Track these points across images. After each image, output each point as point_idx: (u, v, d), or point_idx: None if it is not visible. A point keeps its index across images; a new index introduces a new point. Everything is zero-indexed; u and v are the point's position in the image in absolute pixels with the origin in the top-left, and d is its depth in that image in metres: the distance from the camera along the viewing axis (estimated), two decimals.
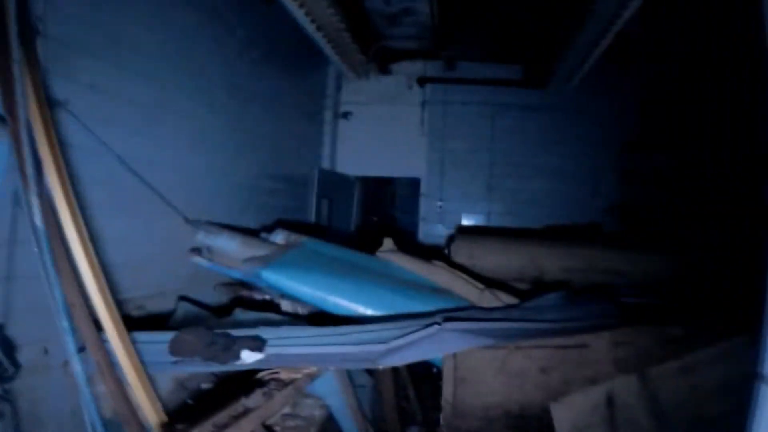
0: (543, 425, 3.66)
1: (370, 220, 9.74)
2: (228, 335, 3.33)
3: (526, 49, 8.41)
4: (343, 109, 9.24)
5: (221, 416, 2.86)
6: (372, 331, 3.61)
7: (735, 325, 3.70)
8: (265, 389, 3.26)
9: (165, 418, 2.83)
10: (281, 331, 3.57)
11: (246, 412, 2.99)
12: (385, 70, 9.15)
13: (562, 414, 3.58)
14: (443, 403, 3.84)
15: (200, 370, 3.46)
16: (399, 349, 3.35)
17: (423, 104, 9.13)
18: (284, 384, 3.36)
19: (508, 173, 8.95)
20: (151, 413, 2.78)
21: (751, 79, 6.74)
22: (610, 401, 3.57)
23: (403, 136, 9.18)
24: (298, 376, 3.45)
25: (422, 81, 9.17)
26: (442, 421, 3.87)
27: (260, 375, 3.48)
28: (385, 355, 3.30)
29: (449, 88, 9.11)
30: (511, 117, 9.01)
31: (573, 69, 7.44)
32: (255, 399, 3.13)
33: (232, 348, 3.20)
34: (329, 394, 3.80)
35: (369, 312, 4.15)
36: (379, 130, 9.21)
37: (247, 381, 3.42)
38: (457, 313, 3.92)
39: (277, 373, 3.46)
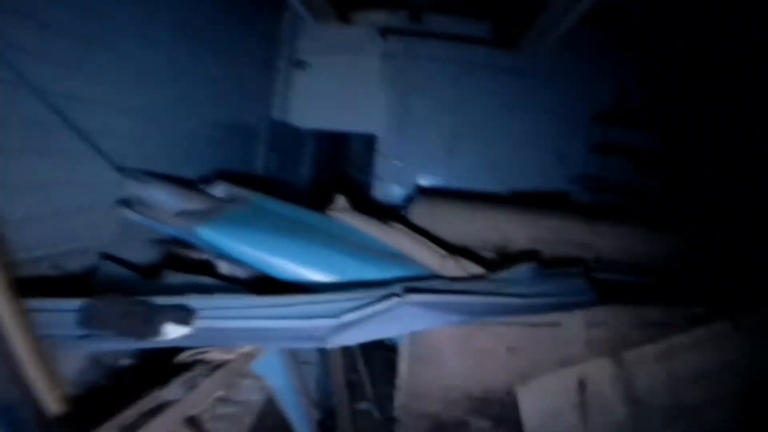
0: (508, 410, 3.42)
1: (323, 176, 9.31)
2: (150, 304, 2.83)
3: (499, 3, 7.98)
4: (298, 57, 8.72)
5: (129, 414, 2.36)
6: (321, 302, 3.14)
7: (715, 309, 3.59)
8: (189, 376, 2.76)
9: (65, 406, 2.33)
10: (214, 300, 3.08)
11: (161, 407, 2.48)
12: (345, 19, 8.64)
13: (529, 398, 3.38)
14: (399, 383, 3.55)
15: (113, 347, 2.98)
16: (352, 325, 2.93)
17: (384, 57, 8.64)
18: (214, 367, 2.88)
19: (471, 136, 8.56)
20: (48, 399, 2.29)
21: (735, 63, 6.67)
22: (581, 386, 3.38)
23: (361, 89, 8.73)
24: (232, 356, 2.98)
25: (385, 32, 8.67)
26: (397, 403, 3.57)
27: (185, 356, 2.97)
28: (335, 332, 2.88)
29: (413, 42, 8.62)
30: (478, 78, 8.57)
31: (548, 29, 7.06)
32: (174, 390, 2.61)
33: (153, 320, 2.70)
34: (271, 374, 3.35)
35: (318, 278, 3.72)
36: (336, 82, 8.74)
37: (168, 364, 2.93)
38: (418, 283, 3.49)
39: (206, 352, 2.98)
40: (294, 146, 8.89)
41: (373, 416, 4.09)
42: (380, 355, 4.39)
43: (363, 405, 4.14)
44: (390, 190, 8.44)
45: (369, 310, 3.00)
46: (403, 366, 3.52)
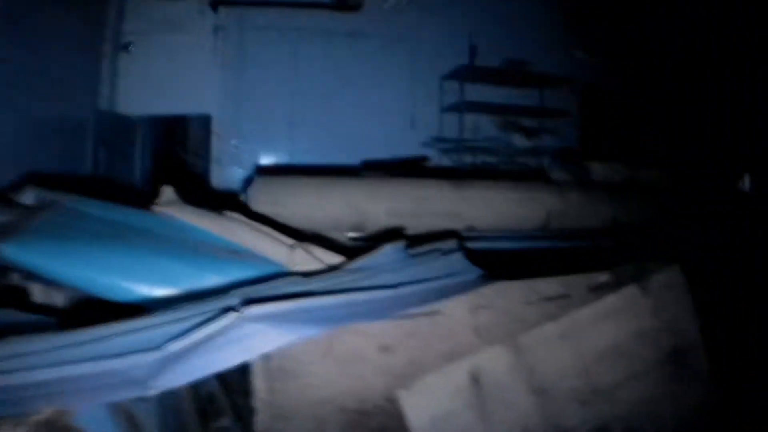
0: (392, 420, 2.90)
1: (160, 167, 8.59)
2: None
3: None
4: (124, 39, 8.05)
5: None
6: (139, 329, 2.46)
7: (619, 273, 3.27)
8: None
9: None
10: (7, 346, 2.33)
11: None
12: None
13: (414, 403, 2.86)
14: (257, 403, 2.91)
15: None
16: (180, 357, 2.27)
17: (216, 31, 8.10)
18: None
19: (316, 106, 8.18)
20: None
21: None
22: (475, 380, 2.90)
23: (193, 67, 8.16)
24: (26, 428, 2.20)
25: (216, 4, 8.12)
26: (258, 427, 2.92)
27: None
28: (160, 370, 2.22)
29: (247, 12, 8.14)
30: (320, 44, 8.22)
31: None
32: None
33: None
34: (96, 427, 2.60)
35: (146, 291, 3.10)
36: (166, 62, 8.13)
37: None
38: (262, 287, 2.88)
39: None
40: (126, 137, 8.20)
41: None
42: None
43: (222, 422, 3.40)
44: (230, 174, 7.89)
45: (201, 332, 2.34)
46: (258, 383, 2.90)
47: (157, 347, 2.30)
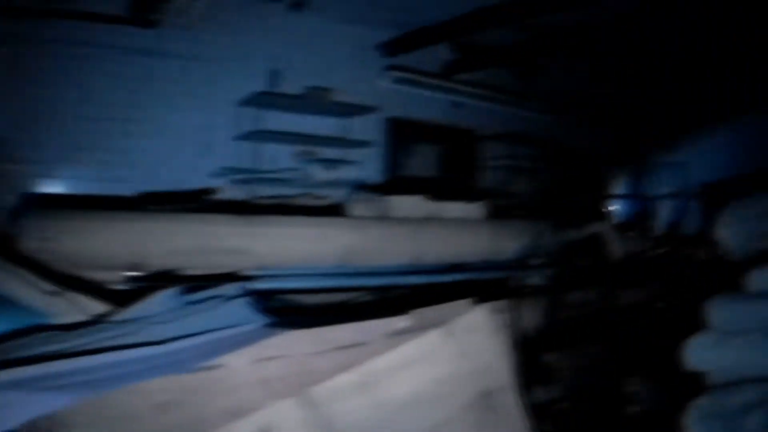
0: None
1: None
2: None
3: None
4: None
5: None
6: None
7: (422, 318, 3.17)
8: None
9: None
10: None
11: None
12: None
13: None
14: None
15: None
16: None
17: None
18: None
19: (102, 129, 7.41)
20: None
21: None
22: None
23: None
24: None
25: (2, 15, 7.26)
26: None
27: None
28: None
29: (31, 24, 7.27)
30: (112, 61, 7.39)
31: (186, 2, 6.32)
32: None
33: None
34: None
35: None
36: None
37: None
38: (14, 343, 2.52)
39: None
40: None
41: None
42: None
43: None
44: (4, 203, 7.04)
45: None
46: None
47: None
